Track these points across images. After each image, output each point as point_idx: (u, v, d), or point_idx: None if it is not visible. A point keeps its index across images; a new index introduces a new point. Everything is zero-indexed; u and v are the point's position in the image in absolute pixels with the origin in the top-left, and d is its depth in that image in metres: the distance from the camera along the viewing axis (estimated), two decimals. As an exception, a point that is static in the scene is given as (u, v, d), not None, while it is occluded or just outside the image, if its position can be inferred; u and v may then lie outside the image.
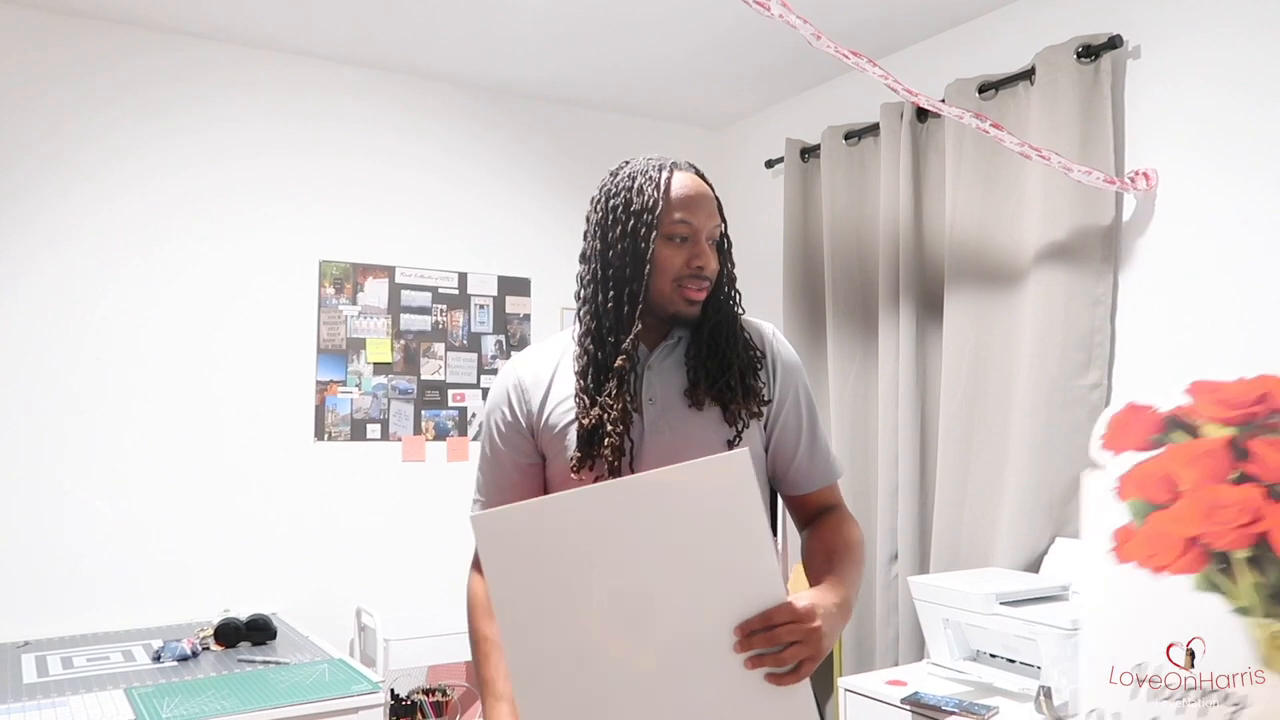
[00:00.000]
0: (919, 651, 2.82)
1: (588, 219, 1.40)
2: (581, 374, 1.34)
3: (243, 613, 2.83)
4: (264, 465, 3.15)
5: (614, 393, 1.30)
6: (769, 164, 3.69)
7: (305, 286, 3.25)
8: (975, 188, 2.78)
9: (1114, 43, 2.45)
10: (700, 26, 3.03)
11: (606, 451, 1.29)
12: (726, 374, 1.35)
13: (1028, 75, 2.65)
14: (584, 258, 1.40)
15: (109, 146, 2.96)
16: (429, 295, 3.46)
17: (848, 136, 3.26)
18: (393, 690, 3.13)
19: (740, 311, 1.44)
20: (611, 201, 1.35)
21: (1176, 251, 2.37)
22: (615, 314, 1.33)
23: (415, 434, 3.41)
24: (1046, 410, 2.53)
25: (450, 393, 3.48)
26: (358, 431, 3.31)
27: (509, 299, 3.62)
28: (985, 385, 2.75)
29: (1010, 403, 2.67)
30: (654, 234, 1.31)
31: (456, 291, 3.52)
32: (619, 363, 1.31)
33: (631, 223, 1.32)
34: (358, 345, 3.33)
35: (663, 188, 1.33)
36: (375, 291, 3.37)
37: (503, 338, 3.60)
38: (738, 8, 2.01)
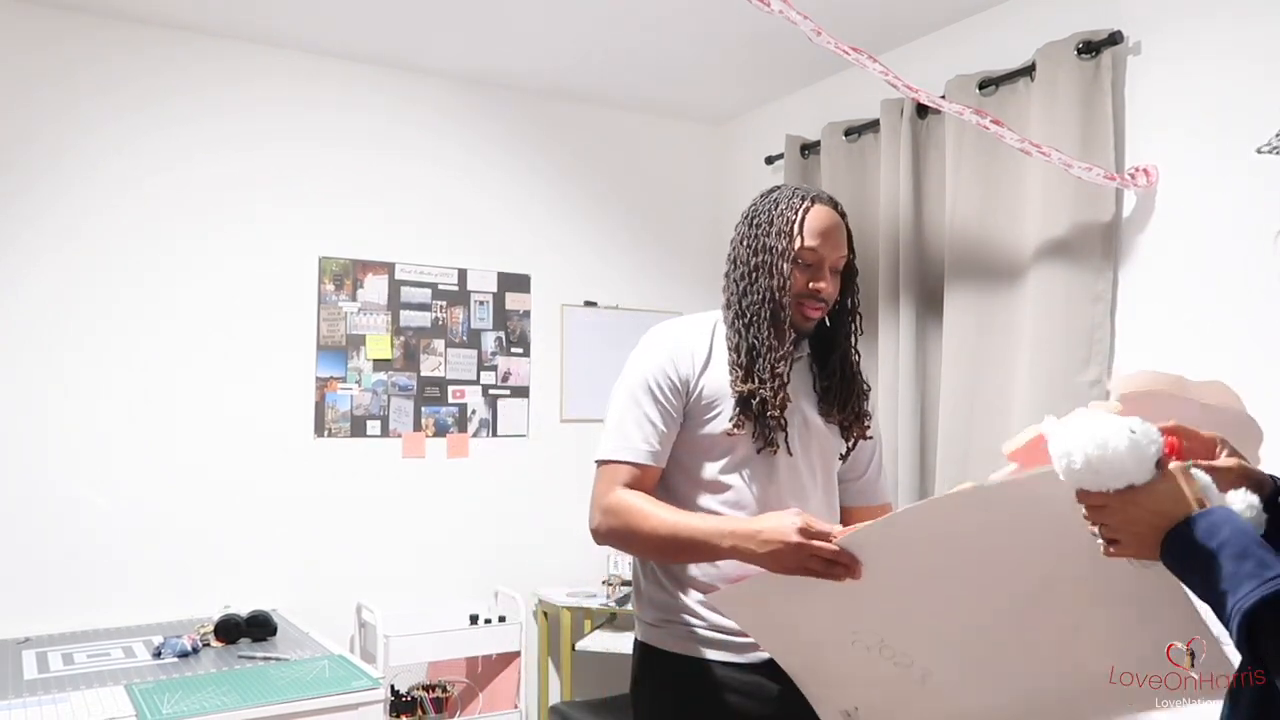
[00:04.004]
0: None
1: (737, 229, 1.65)
2: (735, 349, 1.58)
3: (243, 609, 2.83)
4: (264, 461, 3.15)
5: (776, 384, 1.53)
6: (769, 160, 3.69)
7: (305, 282, 3.25)
8: (975, 184, 2.77)
9: (1115, 39, 2.45)
10: (701, 22, 3.02)
11: (772, 423, 1.53)
12: (851, 402, 1.65)
13: (1028, 71, 2.65)
14: (731, 260, 1.65)
15: (109, 149, 2.96)
16: (429, 292, 3.46)
17: (848, 133, 3.26)
18: (393, 686, 3.14)
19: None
20: (757, 219, 1.61)
21: (1176, 248, 2.37)
22: (759, 311, 1.57)
23: (415, 430, 3.41)
24: (1046, 406, 2.50)
25: (450, 389, 3.48)
26: (358, 428, 3.31)
27: (509, 295, 3.62)
28: (985, 381, 2.74)
29: (1010, 399, 2.67)
30: (790, 253, 1.56)
31: (456, 288, 3.51)
32: (780, 364, 1.55)
33: (770, 241, 1.57)
34: (357, 341, 3.33)
35: (799, 217, 1.57)
36: (375, 288, 3.37)
37: (502, 334, 3.59)
38: (738, 4, 2.01)
